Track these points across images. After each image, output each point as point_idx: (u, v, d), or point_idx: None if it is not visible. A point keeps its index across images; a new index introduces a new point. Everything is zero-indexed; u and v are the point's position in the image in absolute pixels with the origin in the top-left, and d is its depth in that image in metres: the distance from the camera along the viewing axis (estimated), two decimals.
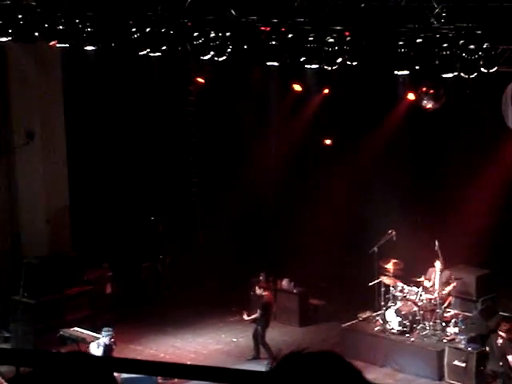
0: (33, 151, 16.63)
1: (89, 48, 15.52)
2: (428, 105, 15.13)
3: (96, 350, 13.62)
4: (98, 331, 14.57)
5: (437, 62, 14.02)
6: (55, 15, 14.93)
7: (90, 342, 14.25)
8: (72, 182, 17.38)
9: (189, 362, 13.90)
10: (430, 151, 17.51)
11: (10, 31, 15.13)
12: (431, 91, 14.96)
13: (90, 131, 17.92)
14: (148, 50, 15.39)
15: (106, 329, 13.78)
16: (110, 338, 13.70)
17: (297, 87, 16.71)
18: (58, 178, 17.06)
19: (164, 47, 15.24)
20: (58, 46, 15.51)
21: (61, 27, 15.11)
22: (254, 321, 15.42)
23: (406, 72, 14.26)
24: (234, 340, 16.19)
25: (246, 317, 15.47)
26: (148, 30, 15.03)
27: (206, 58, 15.21)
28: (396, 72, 14.29)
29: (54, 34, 15.27)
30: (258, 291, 15.57)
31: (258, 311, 15.34)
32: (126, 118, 18.22)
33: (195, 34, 14.97)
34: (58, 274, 16.12)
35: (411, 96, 15.41)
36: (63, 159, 17.12)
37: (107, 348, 13.63)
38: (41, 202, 16.62)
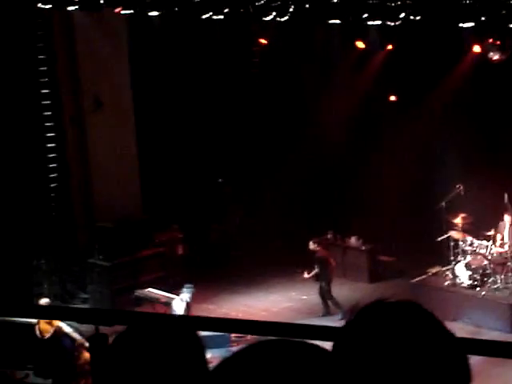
0: (102, 118, 16.96)
1: (153, 14, 15.77)
2: (495, 56, 14.94)
3: (179, 305, 13.95)
4: (171, 291, 14.99)
5: (503, 13, 13.84)
6: None
7: (163, 302, 14.66)
8: (141, 147, 17.73)
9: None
10: (496, 104, 17.26)
11: (76, 0, 15.47)
12: (498, 42, 14.76)
13: (156, 96, 18.19)
14: (211, 13, 15.54)
15: (188, 285, 14.12)
16: (192, 294, 14.03)
17: (360, 45, 16.61)
18: (127, 143, 17.42)
19: (226, 9, 15.37)
20: (122, 12, 15.78)
21: None
22: (316, 278, 15.56)
23: (472, 24, 14.09)
24: (305, 297, 16.37)
25: (306, 275, 15.61)
26: None
27: (269, 18, 15.28)
28: (461, 24, 14.13)
29: (119, 0, 15.54)
30: (312, 246, 15.61)
31: (316, 267, 15.47)
32: (191, 81, 18.41)
33: None
34: (131, 237, 16.53)
35: (477, 48, 15.20)
36: (132, 124, 17.46)
37: (189, 304, 13.95)
38: (111, 166, 16.98)
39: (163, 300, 14.88)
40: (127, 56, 17.26)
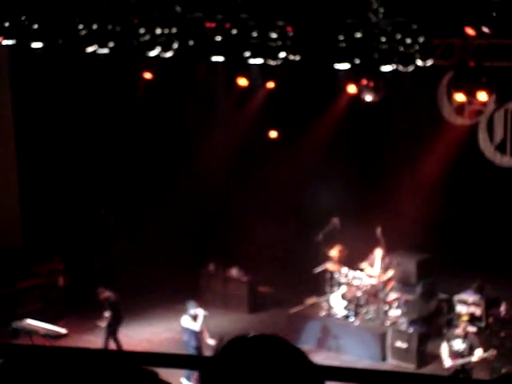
0: None
1: (36, 45, 15.71)
2: (368, 97, 15.69)
3: (190, 322, 14.26)
4: (51, 323, 14.85)
5: (375, 56, 14.60)
6: (1, 11, 15.06)
7: (42, 334, 14.51)
8: (22, 175, 17.55)
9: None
10: (370, 141, 18.10)
11: None
12: (371, 84, 15.52)
13: (39, 127, 18.08)
14: (95, 47, 15.64)
15: (190, 302, 14.42)
16: (196, 307, 14.32)
17: (242, 82, 17.07)
18: (8, 172, 17.21)
19: (111, 44, 15.51)
20: (4, 42, 15.66)
21: (7, 24, 15.27)
22: (110, 321, 15.17)
23: (347, 65, 14.78)
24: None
25: (100, 324, 15.22)
26: (95, 26, 15.29)
27: (153, 53, 15.53)
28: (337, 65, 14.80)
29: (0, 30, 15.41)
30: (102, 294, 15.15)
31: (108, 312, 15.14)
32: (74, 113, 18.42)
33: (142, 30, 15.27)
34: (9, 268, 16.28)
35: (352, 89, 15.93)
36: (12, 152, 17.27)
37: (199, 316, 14.24)
38: None
39: (42, 332, 14.70)
40: (9, 87, 17.11)
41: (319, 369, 1.67)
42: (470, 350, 12.85)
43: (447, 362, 12.94)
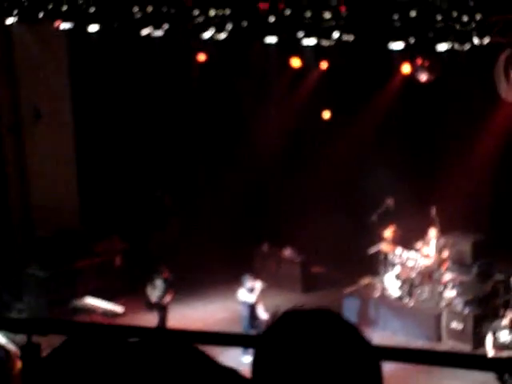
0: (41, 129, 17.07)
1: (92, 28, 15.97)
2: (423, 77, 15.54)
3: (246, 294, 14.54)
4: (109, 301, 15.14)
5: (431, 35, 14.45)
6: None
7: (101, 313, 14.81)
8: (80, 158, 17.87)
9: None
10: (425, 121, 17.92)
11: (15, 12, 15.59)
12: (426, 63, 15.37)
13: (96, 109, 18.36)
14: (150, 30, 15.83)
15: (246, 276, 14.69)
16: (253, 280, 14.57)
17: (295, 62, 17.05)
18: (66, 153, 17.55)
19: (166, 26, 15.67)
20: (62, 25, 15.95)
21: (64, 7, 15.55)
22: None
23: (401, 45, 14.66)
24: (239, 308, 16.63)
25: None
26: (150, 9, 15.47)
27: (207, 35, 15.64)
28: (391, 45, 14.70)
29: (58, 13, 15.71)
30: (164, 274, 15.26)
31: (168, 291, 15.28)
32: (131, 95, 18.63)
33: (195, 12, 15.40)
34: (69, 247, 16.63)
35: (406, 68, 15.79)
36: (71, 136, 17.60)
37: (256, 289, 14.52)
38: (50, 177, 17.08)
39: (101, 310, 14.99)
40: (67, 68, 17.41)
41: (375, 348, 1.63)
42: None
43: (490, 354, 12.61)
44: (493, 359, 11.27)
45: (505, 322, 12.66)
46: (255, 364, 1.61)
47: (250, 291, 14.60)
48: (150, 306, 15.44)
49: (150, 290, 15.39)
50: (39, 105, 17.03)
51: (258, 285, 14.61)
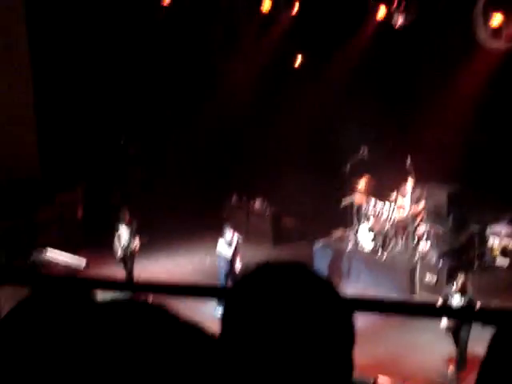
0: None
1: None
2: (399, 20, 15.04)
3: (225, 247, 14.18)
4: (71, 253, 14.66)
5: None
6: None
7: (63, 265, 14.37)
8: (39, 106, 17.17)
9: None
10: (401, 68, 17.41)
11: None
12: (402, 6, 14.86)
13: (55, 53, 17.59)
14: None
15: (226, 226, 14.34)
16: (232, 231, 14.25)
17: (266, 6, 16.48)
18: (25, 103, 16.84)
19: None
20: None
21: None
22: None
23: None
24: (208, 260, 16.21)
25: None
26: None
27: None
28: None
29: None
30: (126, 217, 14.80)
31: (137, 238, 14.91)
32: (92, 37, 17.89)
33: None
34: (29, 197, 16.07)
35: (382, 11, 15.27)
36: (28, 79, 16.87)
37: (231, 240, 14.19)
38: (7, 124, 16.39)
39: (62, 263, 14.57)
40: (24, 11, 16.61)
41: (348, 301, 1.59)
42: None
43: (442, 323, 11.80)
44: (462, 308, 10.96)
45: (455, 287, 12.13)
46: (224, 317, 1.58)
47: (228, 244, 14.14)
48: (120, 258, 14.90)
49: (116, 242, 14.84)
50: None
51: (237, 238, 14.18)
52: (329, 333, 1.52)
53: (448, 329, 11.53)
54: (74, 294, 1.69)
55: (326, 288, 1.57)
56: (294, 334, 1.49)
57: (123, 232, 14.84)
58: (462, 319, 11.98)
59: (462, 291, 11.85)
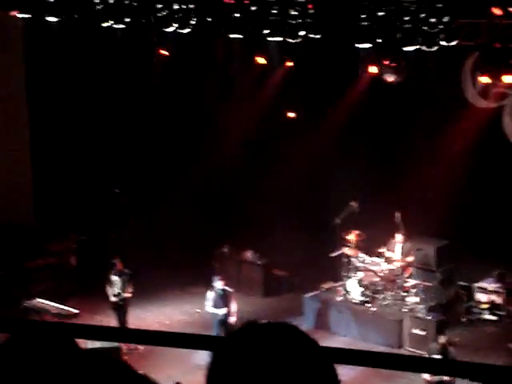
0: None
1: (51, 19, 15.45)
2: (390, 78, 15.31)
3: (211, 296, 14.38)
4: (63, 303, 14.68)
5: (398, 36, 14.22)
6: None
7: (54, 313, 14.39)
8: (35, 154, 17.36)
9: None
10: (391, 124, 17.69)
11: None
12: (393, 64, 15.14)
13: (54, 102, 17.83)
14: (111, 22, 15.36)
15: (216, 277, 14.54)
16: (223, 284, 14.44)
17: (260, 60, 16.73)
18: (21, 149, 17.02)
19: (127, 19, 15.23)
20: (18, 16, 15.41)
21: None
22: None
23: (368, 45, 14.42)
24: (198, 311, 16.28)
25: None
26: (111, 1, 15.02)
27: (170, 30, 15.23)
28: (358, 45, 14.45)
29: (15, 3, 15.18)
30: (119, 266, 15.08)
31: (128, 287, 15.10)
32: (90, 89, 18.14)
33: (158, 5, 14.99)
34: (22, 246, 16.12)
35: (373, 69, 15.55)
36: (26, 130, 17.08)
37: (223, 292, 14.38)
38: (3, 172, 16.54)
39: (54, 311, 14.58)
40: (23, 62, 16.86)
41: (329, 357, 1.65)
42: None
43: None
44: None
45: (436, 345, 12.38)
46: (210, 371, 1.65)
47: (219, 295, 14.25)
48: (112, 306, 15.02)
49: (108, 289, 14.96)
50: None
51: (228, 289, 14.43)
52: None
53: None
54: (55, 339, 1.68)
55: (309, 347, 1.63)
56: None
57: (115, 280, 14.97)
58: (448, 374, 12.06)
59: (443, 353, 12.07)
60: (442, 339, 12.44)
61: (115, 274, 14.98)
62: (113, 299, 14.96)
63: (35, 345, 1.65)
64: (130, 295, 15.03)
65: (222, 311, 14.37)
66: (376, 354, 2.88)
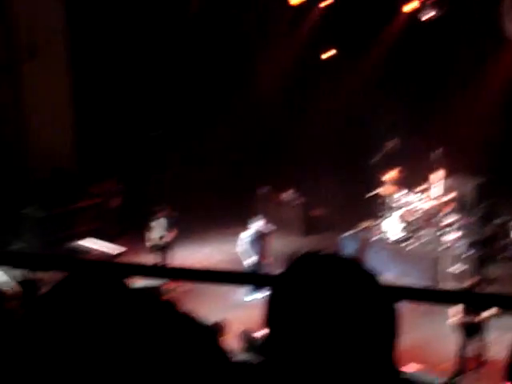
0: (37, 66, 16.64)
1: None
2: (429, 13, 15.17)
3: (246, 236, 14.56)
4: (108, 242, 14.97)
5: None
6: None
7: (100, 253, 14.68)
8: (76, 97, 17.49)
9: None
10: (429, 62, 17.55)
11: None
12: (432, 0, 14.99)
13: (93, 47, 17.89)
14: None
15: (257, 217, 14.66)
16: (264, 223, 14.59)
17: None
18: (63, 93, 17.16)
19: None
20: None
21: None
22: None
23: None
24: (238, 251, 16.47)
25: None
26: None
27: None
28: None
29: None
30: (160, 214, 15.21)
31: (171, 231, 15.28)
32: (128, 32, 18.16)
33: None
34: (66, 188, 16.38)
35: (413, 4, 15.40)
36: (67, 74, 17.18)
37: (262, 232, 14.50)
38: (46, 116, 16.73)
39: (99, 250, 14.87)
40: (63, 5, 16.92)
41: (389, 290, 1.65)
42: None
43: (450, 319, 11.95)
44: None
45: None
46: (271, 306, 1.60)
47: (258, 235, 14.40)
48: (152, 247, 15.30)
49: (149, 232, 15.22)
50: (34, 42, 16.56)
51: (268, 228, 14.56)
52: (374, 324, 1.55)
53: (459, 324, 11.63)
54: (107, 278, 1.67)
55: (371, 280, 1.60)
56: (341, 324, 1.53)
57: (160, 224, 15.20)
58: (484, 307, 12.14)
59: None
60: (472, 280, 12.59)
61: (162, 219, 15.18)
62: (150, 244, 15.22)
63: (89, 284, 1.64)
64: (170, 239, 15.25)
65: (251, 260, 14.50)
66: (430, 289, 2.92)
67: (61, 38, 17.03)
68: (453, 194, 15.53)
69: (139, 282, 11.03)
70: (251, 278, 4.64)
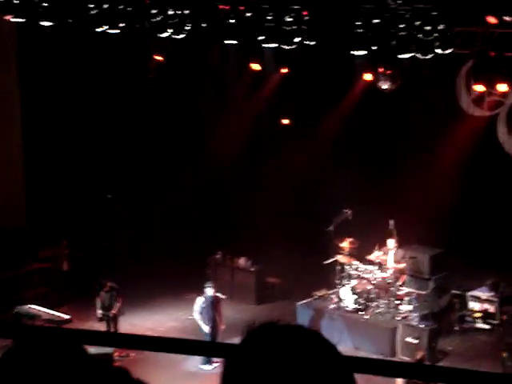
0: None
1: (45, 24, 15.37)
2: (385, 85, 15.29)
3: (201, 302, 14.49)
4: (54, 308, 14.59)
5: (393, 43, 14.20)
6: None
7: (45, 319, 14.30)
8: (28, 159, 17.29)
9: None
10: (385, 132, 17.68)
11: None
12: (388, 72, 15.11)
13: (46, 108, 17.77)
14: (106, 27, 15.29)
15: (208, 283, 14.63)
16: (214, 291, 14.55)
17: (255, 66, 16.68)
18: (14, 154, 16.95)
19: (122, 24, 15.16)
20: (12, 20, 15.33)
21: (16, 1, 14.97)
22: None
23: (364, 52, 14.38)
24: (191, 317, 16.19)
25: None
26: (106, 6, 14.95)
27: (165, 35, 15.16)
28: (353, 52, 14.41)
29: (10, 7, 15.10)
30: (107, 287, 15.04)
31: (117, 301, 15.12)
32: (84, 95, 18.09)
33: (153, 11, 14.93)
34: (14, 251, 16.05)
35: (368, 76, 15.52)
36: (19, 134, 17.03)
37: (214, 299, 14.50)
38: None
39: (45, 317, 14.49)
40: (16, 64, 16.81)
41: (350, 362, 1.60)
42: None
43: None
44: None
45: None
46: (227, 375, 1.55)
47: (210, 302, 14.32)
48: (100, 318, 15.03)
49: (97, 302, 14.97)
50: None
51: (219, 296, 14.50)
52: None
53: None
54: (63, 345, 1.66)
55: (331, 350, 1.57)
56: None
57: (104, 296, 14.98)
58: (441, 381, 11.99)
59: None
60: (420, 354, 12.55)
61: (104, 292, 15.00)
62: (101, 311, 14.98)
63: (42, 350, 1.62)
64: (117, 310, 15.03)
65: (207, 328, 14.43)
66: (387, 362, 2.83)
67: (15, 98, 16.88)
68: (404, 265, 15.48)
69: (90, 349, 10.75)
70: (204, 348, 4.41)
